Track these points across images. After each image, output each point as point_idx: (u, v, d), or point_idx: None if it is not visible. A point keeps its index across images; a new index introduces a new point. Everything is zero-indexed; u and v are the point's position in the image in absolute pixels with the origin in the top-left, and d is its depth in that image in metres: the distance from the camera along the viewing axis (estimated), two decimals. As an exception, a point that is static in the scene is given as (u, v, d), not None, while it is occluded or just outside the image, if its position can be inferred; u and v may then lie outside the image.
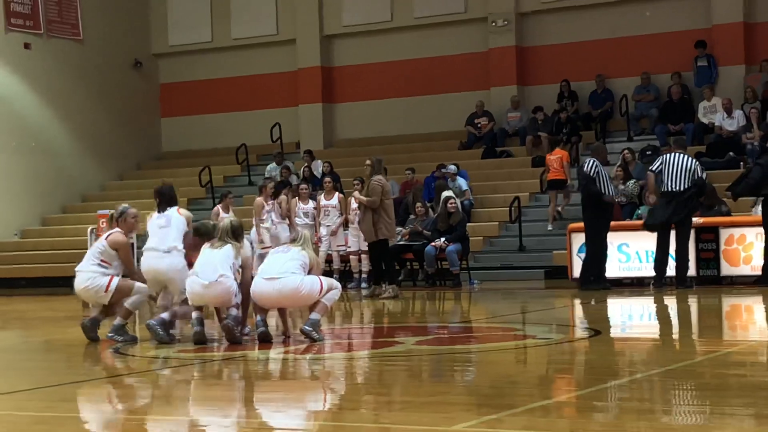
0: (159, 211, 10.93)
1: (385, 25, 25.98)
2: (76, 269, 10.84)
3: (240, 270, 10.03)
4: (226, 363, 9.07)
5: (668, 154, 16.00)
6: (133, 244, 12.15)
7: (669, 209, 15.56)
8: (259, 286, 9.90)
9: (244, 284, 10.03)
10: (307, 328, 9.78)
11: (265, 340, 9.83)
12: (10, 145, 25.09)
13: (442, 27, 25.44)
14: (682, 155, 15.74)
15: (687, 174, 15.54)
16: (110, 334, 10.47)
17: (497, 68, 24.76)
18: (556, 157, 20.62)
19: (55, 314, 16.10)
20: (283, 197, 18.38)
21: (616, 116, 23.69)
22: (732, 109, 21.56)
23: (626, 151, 20.13)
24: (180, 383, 8.22)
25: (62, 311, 16.88)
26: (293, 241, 10.29)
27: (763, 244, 15.86)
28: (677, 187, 15.53)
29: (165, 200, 10.97)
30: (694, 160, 15.82)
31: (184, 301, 10.26)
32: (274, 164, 23.99)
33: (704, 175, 16.26)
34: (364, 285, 18.07)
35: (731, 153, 20.98)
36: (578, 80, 24.02)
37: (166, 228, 10.72)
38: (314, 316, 9.83)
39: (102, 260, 10.65)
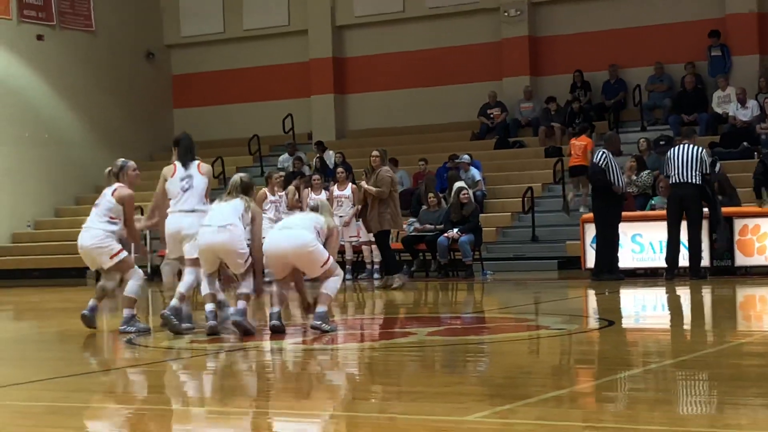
0: (182, 166, 10.59)
1: (397, 15, 25.95)
2: (83, 225, 10.67)
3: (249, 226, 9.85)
4: (238, 354, 9.07)
5: (675, 146, 15.95)
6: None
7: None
8: (271, 237, 9.80)
9: (255, 241, 9.85)
10: (316, 322, 9.70)
11: (278, 332, 9.79)
12: (24, 137, 25.15)
13: (454, 17, 25.40)
14: (689, 146, 15.67)
15: (693, 165, 15.47)
16: (122, 327, 10.44)
17: (510, 58, 24.71)
18: (581, 143, 20.42)
19: (69, 305, 16.13)
20: (291, 188, 18.35)
21: (630, 106, 23.63)
22: (746, 99, 21.49)
23: (642, 140, 20.08)
24: (192, 374, 8.22)
25: (76, 302, 16.89)
26: (314, 209, 10.17)
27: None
28: (683, 179, 15.45)
29: (184, 152, 10.69)
30: (701, 151, 15.71)
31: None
32: (286, 155, 24.00)
33: (718, 167, 16.17)
34: (376, 276, 18.07)
35: (745, 143, 20.92)
36: (591, 70, 23.96)
37: (189, 190, 10.44)
38: (320, 309, 9.74)
39: (111, 217, 10.52)
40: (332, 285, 9.78)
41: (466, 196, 18.67)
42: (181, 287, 10.30)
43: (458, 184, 19.48)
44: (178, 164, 10.63)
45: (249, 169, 26.23)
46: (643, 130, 22.60)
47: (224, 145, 27.04)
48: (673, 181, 15.59)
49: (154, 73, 28.26)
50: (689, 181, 15.43)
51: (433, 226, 18.70)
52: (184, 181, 10.50)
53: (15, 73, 25.06)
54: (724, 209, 16.65)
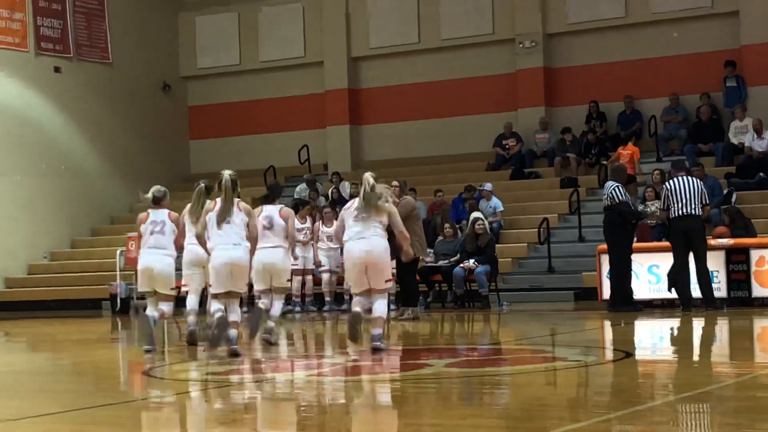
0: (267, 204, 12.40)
1: (412, 46, 26.03)
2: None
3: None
4: (256, 385, 9.05)
5: (671, 180, 15.92)
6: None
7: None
8: (350, 248, 10.70)
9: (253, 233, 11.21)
10: (376, 343, 10.55)
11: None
12: (40, 168, 25.25)
13: (469, 48, 25.46)
14: (688, 177, 15.64)
15: (696, 197, 15.43)
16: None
17: (525, 89, 24.74)
18: (628, 152, 20.63)
19: (84, 336, 16.15)
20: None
21: (645, 137, 23.61)
22: (762, 130, 21.46)
23: (656, 172, 20.05)
24: (209, 407, 8.20)
25: (91, 333, 16.94)
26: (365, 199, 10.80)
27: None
28: (687, 211, 15.41)
29: (272, 197, 12.64)
30: (698, 182, 15.68)
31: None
32: (304, 185, 24.01)
33: (734, 197, 16.07)
34: (392, 307, 18.00)
35: (761, 174, 20.86)
36: (606, 101, 23.97)
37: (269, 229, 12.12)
38: (377, 331, 10.61)
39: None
40: (384, 307, 10.72)
41: (481, 226, 18.66)
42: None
43: (475, 214, 19.49)
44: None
45: (265, 200, 26.28)
46: (659, 160, 22.56)
47: (240, 176, 26.60)
48: (677, 214, 15.54)
49: (170, 105, 28.38)
50: (693, 213, 15.40)
51: (447, 261, 18.67)
52: (266, 221, 12.22)
53: (32, 105, 25.19)
54: (740, 240, 16.61)
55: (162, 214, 12.08)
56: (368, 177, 10.89)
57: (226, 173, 11.30)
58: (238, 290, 10.95)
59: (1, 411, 7.80)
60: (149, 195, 12.08)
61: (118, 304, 21.56)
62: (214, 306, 10.88)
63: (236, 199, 11.11)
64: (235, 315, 10.84)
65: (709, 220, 17.38)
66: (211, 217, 11.04)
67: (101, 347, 14.30)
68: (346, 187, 23.18)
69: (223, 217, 11.00)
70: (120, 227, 25.34)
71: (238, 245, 10.88)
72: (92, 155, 26.43)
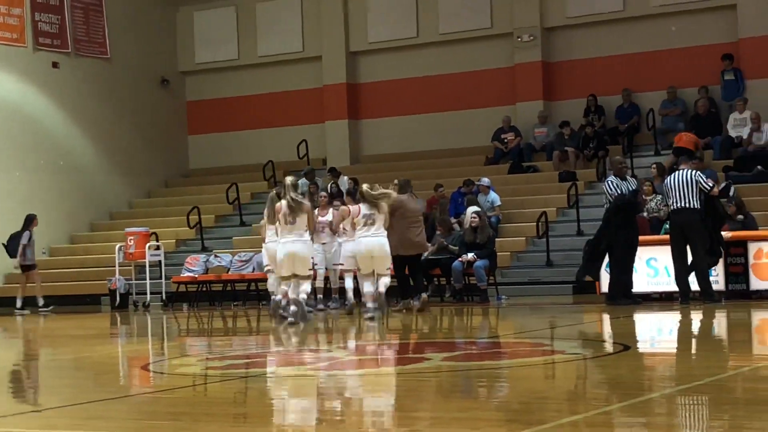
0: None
1: (411, 41, 26.04)
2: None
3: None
4: (252, 380, 9.07)
5: (672, 173, 15.97)
6: None
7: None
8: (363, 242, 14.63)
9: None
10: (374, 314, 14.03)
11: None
12: (39, 164, 25.27)
13: (468, 42, 25.48)
14: (685, 171, 15.64)
15: (690, 190, 15.39)
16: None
17: (523, 83, 24.76)
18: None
19: (84, 332, 16.17)
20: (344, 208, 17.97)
21: (643, 130, 23.63)
22: (760, 123, 21.47)
23: (653, 166, 20.07)
24: (207, 401, 8.22)
25: (91, 329, 16.95)
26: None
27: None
28: (681, 204, 15.40)
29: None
30: (695, 174, 15.59)
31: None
32: (304, 179, 24.01)
33: (732, 190, 16.00)
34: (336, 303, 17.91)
35: (759, 167, 20.88)
36: (605, 95, 24.00)
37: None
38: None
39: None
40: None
41: (474, 219, 18.62)
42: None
43: (472, 208, 19.50)
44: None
45: (264, 195, 26.27)
46: (657, 154, 22.60)
47: (239, 171, 27.11)
48: (673, 207, 15.58)
49: (168, 100, 28.39)
50: (687, 206, 15.39)
51: (452, 247, 18.64)
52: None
53: (30, 101, 25.20)
54: (738, 233, 16.63)
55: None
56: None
57: (288, 179, 14.17)
58: (301, 273, 14.09)
59: (0, 406, 7.82)
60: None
61: (117, 300, 21.58)
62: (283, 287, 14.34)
63: (300, 201, 14.03)
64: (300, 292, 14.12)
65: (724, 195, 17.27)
66: (280, 218, 14.06)
67: (100, 342, 14.31)
68: (345, 182, 23.18)
69: (288, 217, 13.97)
70: (119, 222, 25.38)
71: (298, 240, 13.98)
72: (90, 151, 26.44)
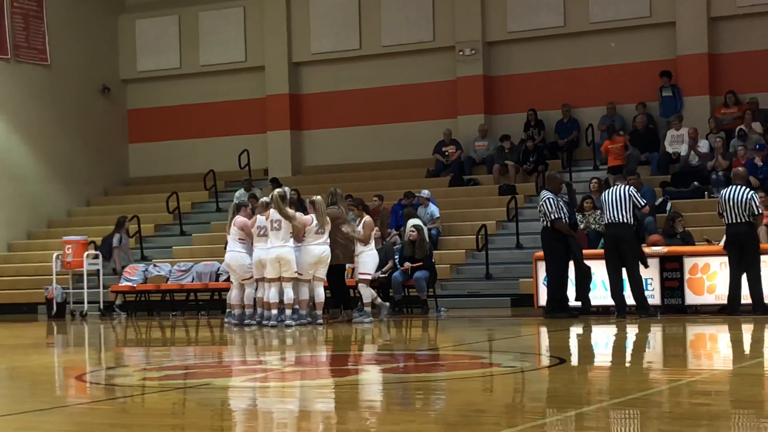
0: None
1: (354, 53, 26.10)
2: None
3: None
4: (190, 391, 9.04)
5: (609, 188, 16.22)
6: None
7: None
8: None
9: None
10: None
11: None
12: (-24, 171, 24.96)
13: (410, 55, 25.59)
14: (620, 186, 15.86)
15: (624, 205, 15.61)
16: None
17: (465, 97, 24.91)
18: (618, 145, 21.81)
19: (19, 341, 15.99)
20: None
21: (582, 145, 23.86)
22: (697, 139, 21.76)
23: (594, 181, 20.26)
24: (143, 412, 8.18)
25: (26, 338, 16.78)
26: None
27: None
28: (615, 219, 15.63)
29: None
30: (629, 189, 15.83)
31: None
32: (242, 190, 23.98)
33: (668, 206, 16.20)
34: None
35: (696, 183, 21.16)
36: (545, 109, 24.21)
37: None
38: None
39: None
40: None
41: (413, 234, 18.71)
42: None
43: (412, 221, 19.56)
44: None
45: (204, 205, 26.19)
46: (596, 169, 22.84)
47: (180, 180, 26.98)
48: (607, 221, 15.84)
49: (109, 108, 28.19)
50: (621, 221, 15.61)
51: (384, 270, 18.77)
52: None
53: (-32, 107, 24.90)
54: (673, 248, 16.86)
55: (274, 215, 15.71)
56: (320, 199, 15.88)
57: (276, 191, 15.76)
58: (286, 276, 15.63)
59: (-67, 416, 7.72)
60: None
61: (54, 309, 21.38)
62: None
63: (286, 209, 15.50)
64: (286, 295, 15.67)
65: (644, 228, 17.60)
66: (267, 224, 15.63)
67: (36, 352, 14.17)
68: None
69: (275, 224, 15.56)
70: (57, 231, 25.15)
71: (285, 245, 15.58)
72: (30, 158, 26.17)
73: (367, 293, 16.62)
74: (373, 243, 16.81)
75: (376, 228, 16.87)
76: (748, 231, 15.58)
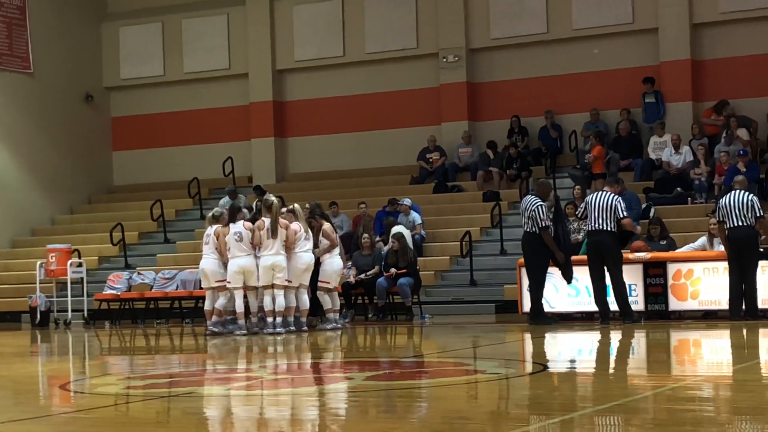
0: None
1: (337, 60, 26.13)
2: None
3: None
4: (174, 400, 9.03)
5: (593, 194, 16.23)
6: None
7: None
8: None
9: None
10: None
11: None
12: (-41, 179, 24.88)
13: (393, 62, 25.63)
14: (604, 193, 15.87)
15: (608, 212, 15.63)
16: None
17: (448, 103, 24.95)
18: (597, 154, 21.93)
19: (3, 350, 15.94)
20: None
21: (566, 152, 23.92)
22: (680, 145, 21.84)
23: (577, 188, 20.31)
24: (128, 420, 8.17)
25: (10, 347, 16.73)
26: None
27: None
28: (598, 226, 15.65)
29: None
30: (614, 198, 15.84)
31: None
32: (227, 198, 23.95)
33: (652, 212, 16.28)
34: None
35: (679, 188, 21.24)
36: (528, 116, 24.28)
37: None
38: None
39: None
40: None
41: (395, 244, 18.73)
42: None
43: (396, 228, 19.58)
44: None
45: (188, 212, 26.16)
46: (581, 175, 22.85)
47: (164, 187, 26.95)
48: (590, 228, 15.85)
49: (93, 116, 28.14)
50: (604, 228, 15.62)
51: (365, 274, 18.78)
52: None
53: (-49, 115, 24.82)
54: (657, 254, 16.91)
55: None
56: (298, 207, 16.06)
57: (274, 200, 16.13)
58: (278, 283, 15.88)
59: None
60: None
61: (38, 317, 21.31)
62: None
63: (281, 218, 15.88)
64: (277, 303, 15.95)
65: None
66: (262, 234, 15.91)
67: (20, 360, 14.13)
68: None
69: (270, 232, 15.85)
70: (41, 239, 25.07)
71: (279, 253, 15.84)
72: (13, 166, 26.10)
73: (327, 300, 16.69)
74: (336, 251, 16.83)
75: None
76: (750, 234, 15.62)
